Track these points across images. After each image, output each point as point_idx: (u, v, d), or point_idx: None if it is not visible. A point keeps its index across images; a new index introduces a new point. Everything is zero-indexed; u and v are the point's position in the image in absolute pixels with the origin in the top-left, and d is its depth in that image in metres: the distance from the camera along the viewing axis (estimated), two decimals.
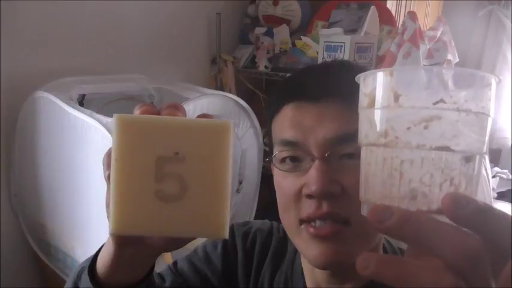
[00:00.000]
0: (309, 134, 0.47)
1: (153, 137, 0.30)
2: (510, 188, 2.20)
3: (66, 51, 1.46)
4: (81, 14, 1.48)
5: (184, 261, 0.66)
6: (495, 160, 2.45)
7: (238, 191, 1.49)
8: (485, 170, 1.89)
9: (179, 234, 0.31)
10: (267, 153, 1.71)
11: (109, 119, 1.09)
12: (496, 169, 2.38)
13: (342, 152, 0.46)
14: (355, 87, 0.49)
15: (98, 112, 1.14)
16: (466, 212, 0.25)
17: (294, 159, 0.49)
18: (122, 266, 0.42)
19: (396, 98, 0.28)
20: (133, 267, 0.43)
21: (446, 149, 0.27)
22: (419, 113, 0.27)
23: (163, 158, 0.29)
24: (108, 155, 0.33)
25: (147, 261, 0.43)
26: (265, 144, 1.64)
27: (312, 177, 0.45)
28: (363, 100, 0.31)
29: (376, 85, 0.29)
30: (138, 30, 1.68)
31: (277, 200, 0.53)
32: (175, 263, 0.66)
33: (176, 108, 0.34)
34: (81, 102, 1.34)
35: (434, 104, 0.27)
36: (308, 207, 0.47)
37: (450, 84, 0.28)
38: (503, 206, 1.93)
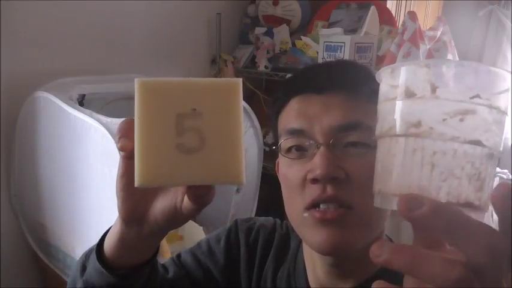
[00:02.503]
0: (314, 122, 0.49)
1: (172, 96, 0.32)
2: None
3: (66, 51, 1.46)
4: (81, 14, 1.48)
5: (187, 254, 0.66)
6: None
7: (238, 191, 1.49)
8: None
9: (200, 182, 0.33)
10: (267, 153, 1.71)
11: (109, 119, 1.09)
12: (496, 169, 2.38)
13: (346, 140, 0.48)
14: (359, 81, 0.51)
15: (98, 112, 1.14)
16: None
17: (300, 148, 0.51)
18: (128, 246, 0.43)
19: (433, 89, 0.29)
20: (139, 247, 0.44)
21: (479, 143, 0.28)
22: (456, 105, 0.28)
23: (182, 115, 0.32)
24: (125, 122, 0.35)
25: (151, 241, 0.44)
26: (265, 144, 1.64)
27: (316, 162, 0.47)
28: (389, 92, 0.31)
29: (409, 76, 0.30)
30: (138, 30, 1.68)
31: (282, 191, 0.54)
32: (178, 256, 0.67)
33: None
34: (81, 102, 1.33)
35: (471, 98, 0.28)
36: (313, 192, 0.48)
37: (484, 81, 0.29)
38: None
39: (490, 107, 0.28)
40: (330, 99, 0.50)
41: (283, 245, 0.64)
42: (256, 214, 1.59)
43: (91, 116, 1.10)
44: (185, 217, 0.39)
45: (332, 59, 1.64)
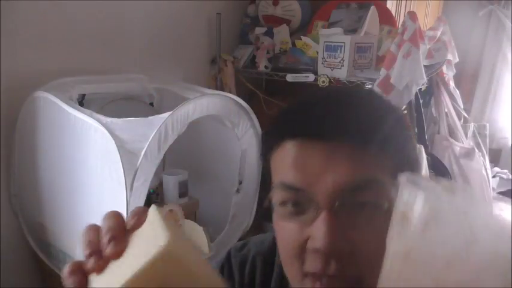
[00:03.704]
0: (315, 179, 0.40)
1: None
2: (510, 188, 2.20)
3: (66, 51, 1.46)
4: (81, 14, 1.48)
5: None
6: (495, 160, 2.46)
7: (238, 191, 1.49)
8: (485, 169, 1.89)
9: None
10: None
11: (109, 119, 1.09)
12: (496, 169, 2.38)
13: (354, 200, 0.40)
14: (370, 123, 0.41)
15: (98, 112, 1.14)
16: None
17: (297, 203, 0.43)
18: None
19: None
20: None
21: None
22: None
23: None
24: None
25: None
26: None
27: (318, 231, 0.39)
28: None
29: None
30: (138, 30, 1.68)
31: (278, 245, 0.47)
32: None
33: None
34: (81, 102, 1.34)
35: None
36: (314, 263, 0.41)
37: None
38: (503, 206, 1.93)
39: None
40: (335, 148, 0.40)
41: (282, 276, 0.56)
42: (256, 214, 1.59)
43: (91, 116, 1.10)
44: None
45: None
